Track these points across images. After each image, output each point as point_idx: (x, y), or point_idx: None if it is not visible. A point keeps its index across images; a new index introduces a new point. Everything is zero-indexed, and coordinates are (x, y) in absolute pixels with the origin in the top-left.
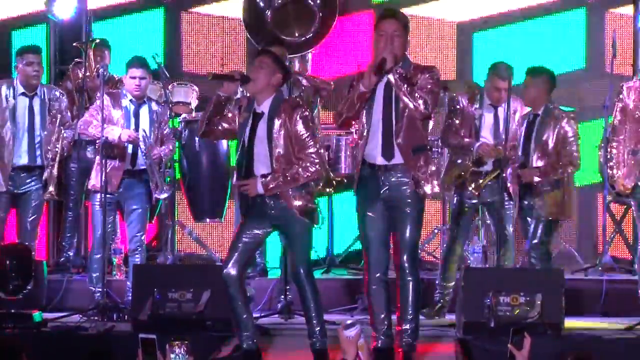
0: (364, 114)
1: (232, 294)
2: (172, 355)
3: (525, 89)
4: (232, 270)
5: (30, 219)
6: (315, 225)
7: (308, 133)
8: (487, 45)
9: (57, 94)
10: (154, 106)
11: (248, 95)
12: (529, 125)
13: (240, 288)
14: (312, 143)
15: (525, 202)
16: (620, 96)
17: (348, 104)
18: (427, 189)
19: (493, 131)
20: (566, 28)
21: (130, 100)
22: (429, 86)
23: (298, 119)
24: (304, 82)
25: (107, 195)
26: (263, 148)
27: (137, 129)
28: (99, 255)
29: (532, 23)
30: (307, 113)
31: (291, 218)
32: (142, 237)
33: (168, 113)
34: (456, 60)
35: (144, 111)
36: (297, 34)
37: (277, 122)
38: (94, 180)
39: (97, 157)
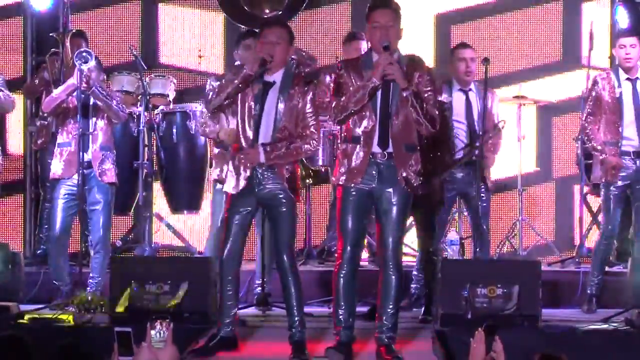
0: (370, 106)
1: (225, 281)
2: (153, 332)
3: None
4: (231, 259)
5: None
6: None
7: (313, 110)
8: (464, 38)
9: None
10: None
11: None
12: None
13: (235, 277)
14: (314, 122)
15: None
16: (596, 87)
17: (357, 99)
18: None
19: (465, 115)
20: (543, 20)
21: None
22: (431, 101)
23: (309, 95)
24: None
25: (70, 186)
26: (269, 118)
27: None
28: (54, 251)
29: (509, 15)
30: (316, 91)
31: (282, 193)
32: (106, 235)
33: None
34: (434, 53)
35: None
36: (267, 10)
37: (288, 94)
38: (55, 167)
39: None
